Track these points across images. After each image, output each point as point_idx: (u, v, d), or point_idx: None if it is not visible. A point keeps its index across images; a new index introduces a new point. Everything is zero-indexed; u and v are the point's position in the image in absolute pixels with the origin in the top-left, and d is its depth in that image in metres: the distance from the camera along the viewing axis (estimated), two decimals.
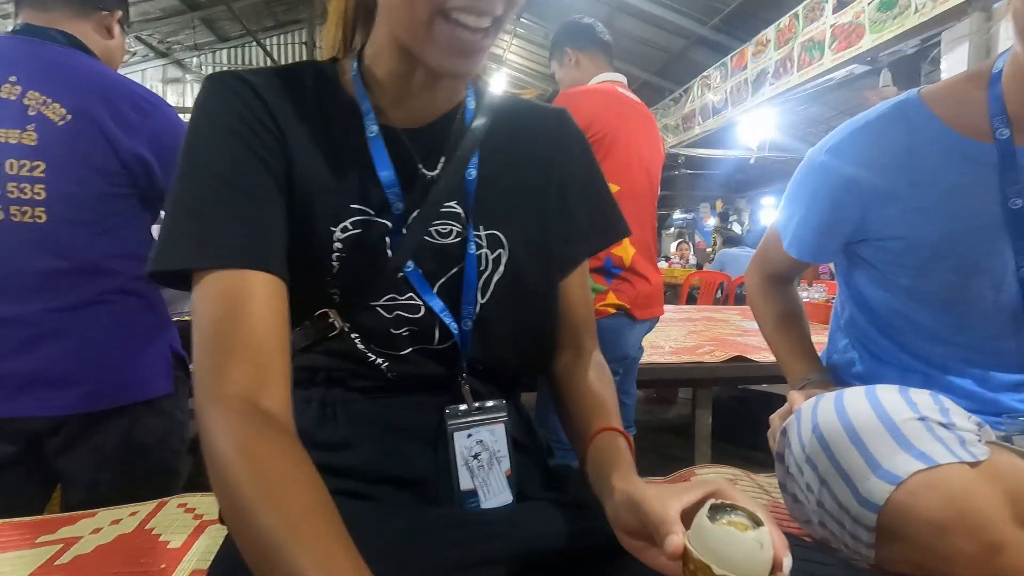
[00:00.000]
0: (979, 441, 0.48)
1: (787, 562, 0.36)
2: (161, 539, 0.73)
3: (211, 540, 0.73)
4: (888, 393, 0.51)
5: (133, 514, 0.81)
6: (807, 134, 8.29)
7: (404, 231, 0.53)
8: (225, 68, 7.76)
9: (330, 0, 0.58)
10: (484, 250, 0.56)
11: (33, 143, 0.99)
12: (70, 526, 0.77)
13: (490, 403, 0.56)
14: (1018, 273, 0.64)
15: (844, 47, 3.44)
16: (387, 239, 0.53)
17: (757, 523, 0.37)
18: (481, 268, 0.56)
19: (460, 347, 0.55)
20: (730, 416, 2.43)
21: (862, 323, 0.81)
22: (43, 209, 1.00)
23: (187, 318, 2.28)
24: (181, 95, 7.78)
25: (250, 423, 0.40)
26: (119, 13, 1.17)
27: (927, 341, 0.72)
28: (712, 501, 0.38)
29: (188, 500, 0.86)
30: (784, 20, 4.05)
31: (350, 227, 0.52)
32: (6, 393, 1.00)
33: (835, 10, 3.50)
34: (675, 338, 2.20)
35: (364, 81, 0.55)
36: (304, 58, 7.85)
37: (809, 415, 0.56)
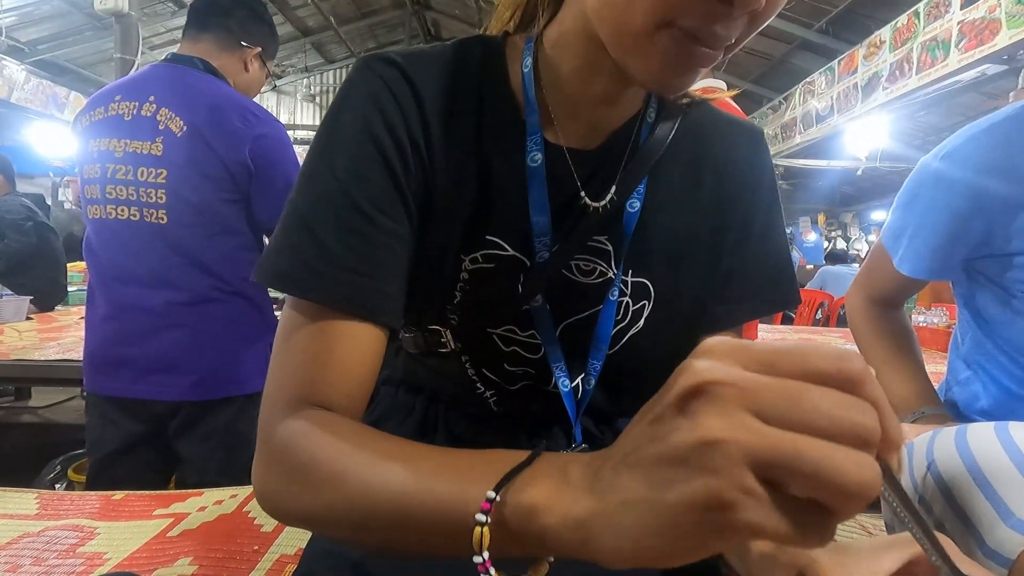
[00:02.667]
0: None
1: None
2: (256, 522, 0.78)
3: (298, 529, 0.78)
4: (1021, 430, 0.44)
5: (234, 496, 0.87)
6: (926, 143, 7.50)
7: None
8: (331, 88, 8.38)
9: None
10: (627, 299, 0.48)
11: (159, 153, 1.11)
12: (181, 503, 0.84)
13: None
14: None
15: (974, 45, 3.08)
16: (520, 276, 0.46)
17: None
18: (618, 318, 0.48)
19: (571, 404, 0.48)
20: None
21: (989, 351, 0.71)
22: (164, 211, 1.11)
23: None
24: (292, 113, 8.48)
25: (324, 418, 0.38)
26: (258, 50, 1.30)
27: None
28: None
29: None
30: (902, 19, 3.69)
31: (481, 259, 0.46)
32: (132, 375, 1.13)
33: (964, 5, 3.15)
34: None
35: (537, 78, 0.45)
36: None
37: (924, 451, 0.50)
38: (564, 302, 0.47)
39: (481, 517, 0.27)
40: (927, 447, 0.49)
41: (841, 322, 3.96)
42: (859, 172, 6.73)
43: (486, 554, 0.27)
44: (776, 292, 0.52)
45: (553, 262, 0.45)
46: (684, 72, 0.37)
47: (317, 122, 8.56)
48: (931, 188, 0.70)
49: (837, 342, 2.74)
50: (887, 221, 0.79)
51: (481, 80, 0.45)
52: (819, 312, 4.34)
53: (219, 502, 0.85)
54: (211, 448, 1.16)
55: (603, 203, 0.45)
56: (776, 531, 0.19)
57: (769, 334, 2.91)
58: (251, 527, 0.77)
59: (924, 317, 3.15)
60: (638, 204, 0.47)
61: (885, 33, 3.89)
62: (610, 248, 0.47)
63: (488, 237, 0.45)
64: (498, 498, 0.27)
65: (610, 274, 0.47)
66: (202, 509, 0.82)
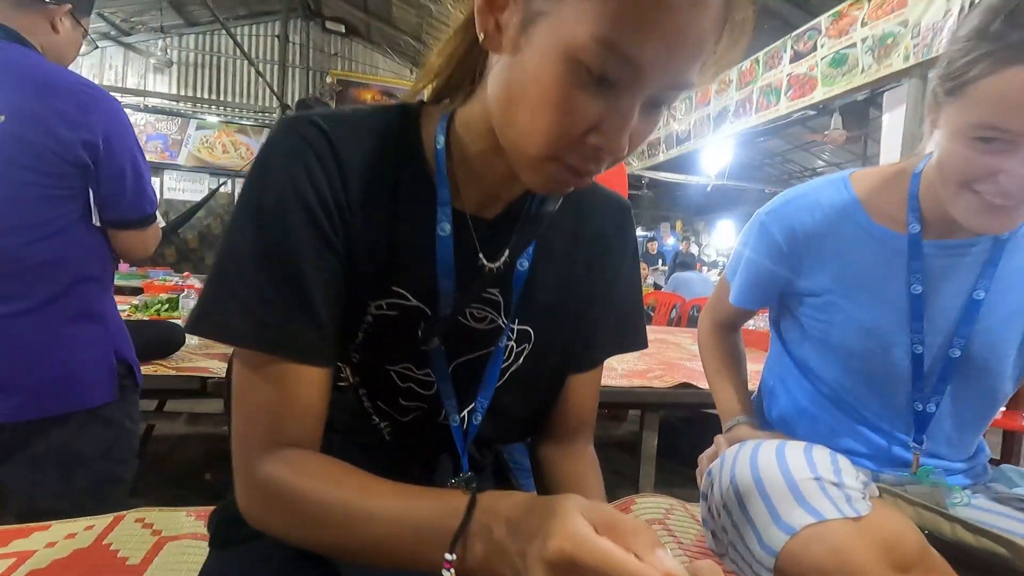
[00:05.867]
0: (863, 498, 0.57)
1: None
2: (120, 555, 0.74)
3: (171, 557, 0.75)
4: (794, 451, 0.59)
5: (89, 528, 0.81)
6: (763, 164, 8.70)
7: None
8: (191, 52, 7.50)
9: (446, 31, 0.50)
10: (512, 343, 0.55)
11: None
12: (23, 539, 0.77)
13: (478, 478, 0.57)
14: (911, 349, 0.74)
15: (798, 96, 3.69)
16: (421, 322, 0.51)
17: None
18: (505, 362, 0.55)
19: (459, 436, 0.55)
20: (677, 435, 2.55)
21: (786, 367, 0.90)
22: None
23: (136, 316, 2.22)
24: (142, 76, 7.47)
25: (298, 457, 0.46)
26: (67, 7, 1.10)
27: (836, 393, 0.82)
28: None
29: (145, 515, 0.86)
30: (746, 64, 4.29)
31: (385, 307, 0.51)
32: None
33: (792, 60, 3.74)
34: (628, 360, 2.30)
35: (448, 152, 0.50)
36: (275, 51, 7.72)
37: (730, 465, 0.64)
38: (458, 344, 0.53)
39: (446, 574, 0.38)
40: (732, 462, 0.63)
41: (691, 322, 4.46)
42: (709, 188, 7.61)
43: None
44: (630, 339, 0.64)
45: (451, 312, 0.51)
46: (562, 189, 0.45)
47: (173, 90, 7.62)
48: (756, 238, 0.87)
49: (686, 341, 3.12)
50: (730, 259, 0.96)
51: (398, 148, 0.50)
52: (673, 312, 4.86)
53: (72, 535, 0.79)
54: (42, 473, 1.03)
55: (498, 264, 0.52)
56: None
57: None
58: (114, 561, 0.73)
59: (754, 322, 3.69)
60: (527, 264, 0.54)
61: (732, 74, 4.47)
62: (501, 300, 0.54)
63: (394, 288, 0.50)
64: (453, 556, 0.38)
65: (500, 322, 0.54)
66: (51, 545, 0.75)
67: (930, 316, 0.74)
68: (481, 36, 0.43)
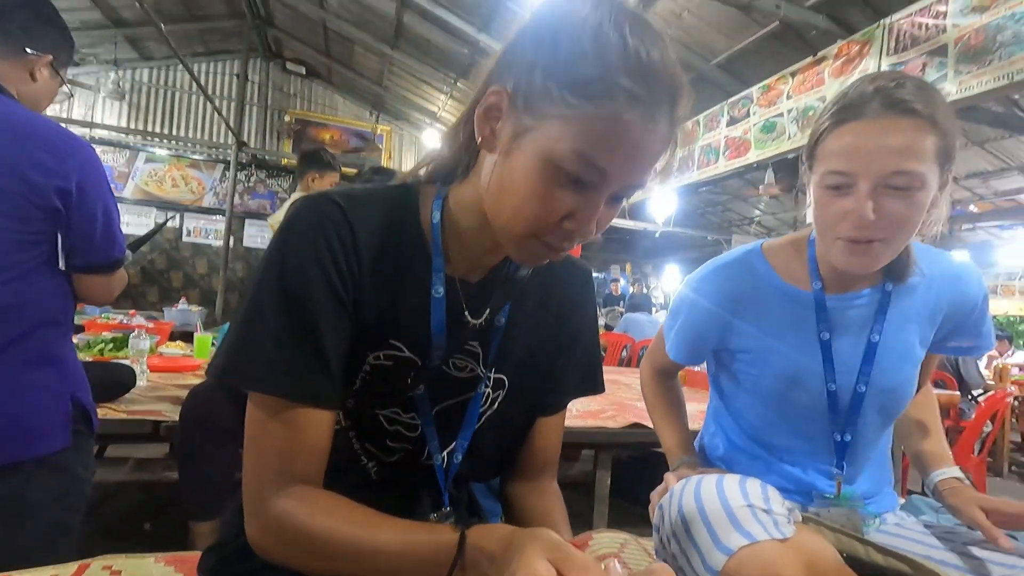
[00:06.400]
0: (789, 522, 0.67)
1: None
2: None
3: None
4: (730, 483, 0.69)
5: None
6: (706, 212, 9.24)
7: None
8: (145, 86, 7.37)
9: (453, 125, 0.60)
10: (488, 389, 0.63)
11: None
12: None
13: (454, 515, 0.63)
14: (826, 387, 0.87)
15: (735, 156, 4.04)
16: (412, 372, 0.59)
17: None
18: (482, 407, 0.63)
19: (441, 474, 0.61)
20: (629, 475, 2.63)
21: (723, 414, 1.01)
22: None
23: (79, 356, 2.10)
24: (90, 107, 7.26)
25: (308, 494, 0.51)
26: (48, 57, 1.12)
27: (766, 434, 0.93)
28: None
29: (113, 562, 0.85)
30: (688, 124, 4.67)
31: (382, 357, 0.58)
32: None
33: (728, 124, 4.11)
34: (582, 400, 2.37)
35: (442, 226, 0.59)
36: (234, 89, 7.67)
37: (678, 497, 0.72)
38: (441, 391, 0.61)
39: None
40: (680, 495, 0.71)
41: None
42: (657, 234, 8.01)
43: None
44: (591, 385, 0.75)
45: (438, 362, 0.59)
46: (540, 262, 0.56)
47: (123, 123, 7.41)
48: (687, 304, 0.99)
49: (636, 382, 3.23)
50: (667, 316, 1.07)
51: (401, 222, 0.59)
52: (624, 351, 5.01)
53: None
54: None
55: (480, 320, 0.61)
56: None
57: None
58: None
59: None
60: (503, 320, 0.63)
61: (676, 134, 4.82)
62: (480, 352, 0.62)
63: (391, 341, 0.58)
64: None
65: (479, 372, 0.62)
66: None
67: (838, 358, 0.87)
68: (479, 139, 0.53)
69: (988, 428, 3.22)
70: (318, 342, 0.52)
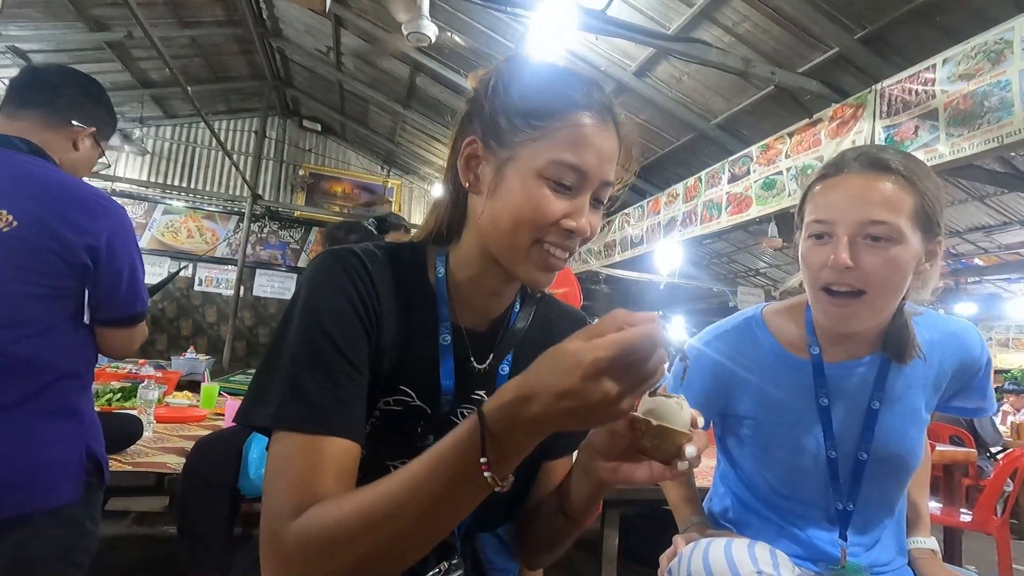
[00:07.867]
0: None
1: (700, 420, 0.51)
2: None
3: None
4: (739, 548, 0.69)
5: None
6: (711, 264, 9.30)
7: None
8: (167, 142, 7.68)
9: (433, 204, 0.70)
10: None
11: None
12: None
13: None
14: (826, 454, 0.87)
15: (737, 212, 4.12)
16: (421, 420, 0.62)
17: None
18: None
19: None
20: (637, 533, 2.54)
21: (732, 478, 1.01)
22: None
23: (103, 408, 2.08)
24: (114, 161, 7.55)
25: (320, 503, 0.51)
26: (91, 129, 1.19)
27: (773, 498, 0.93)
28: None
29: None
30: (690, 180, 4.79)
31: (392, 403, 0.61)
32: None
33: (729, 181, 4.23)
34: None
35: (447, 279, 0.65)
36: (251, 145, 7.98)
37: (687, 562, 0.72)
38: None
39: (487, 475, 0.46)
40: (688, 559, 0.72)
41: None
42: (662, 286, 8.05)
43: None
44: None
45: (447, 411, 0.63)
46: (549, 271, 0.60)
47: (143, 176, 7.69)
48: (697, 363, 1.00)
49: None
50: (670, 376, 1.09)
51: (410, 277, 0.65)
52: None
53: None
54: None
55: (484, 365, 0.66)
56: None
57: None
58: None
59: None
60: (507, 367, 0.67)
61: (679, 188, 4.97)
62: (486, 399, 0.64)
63: (401, 387, 0.62)
64: (486, 459, 0.46)
65: None
66: None
67: (838, 425, 0.88)
68: (466, 184, 0.61)
69: (1009, 487, 3.12)
70: (342, 380, 0.55)
